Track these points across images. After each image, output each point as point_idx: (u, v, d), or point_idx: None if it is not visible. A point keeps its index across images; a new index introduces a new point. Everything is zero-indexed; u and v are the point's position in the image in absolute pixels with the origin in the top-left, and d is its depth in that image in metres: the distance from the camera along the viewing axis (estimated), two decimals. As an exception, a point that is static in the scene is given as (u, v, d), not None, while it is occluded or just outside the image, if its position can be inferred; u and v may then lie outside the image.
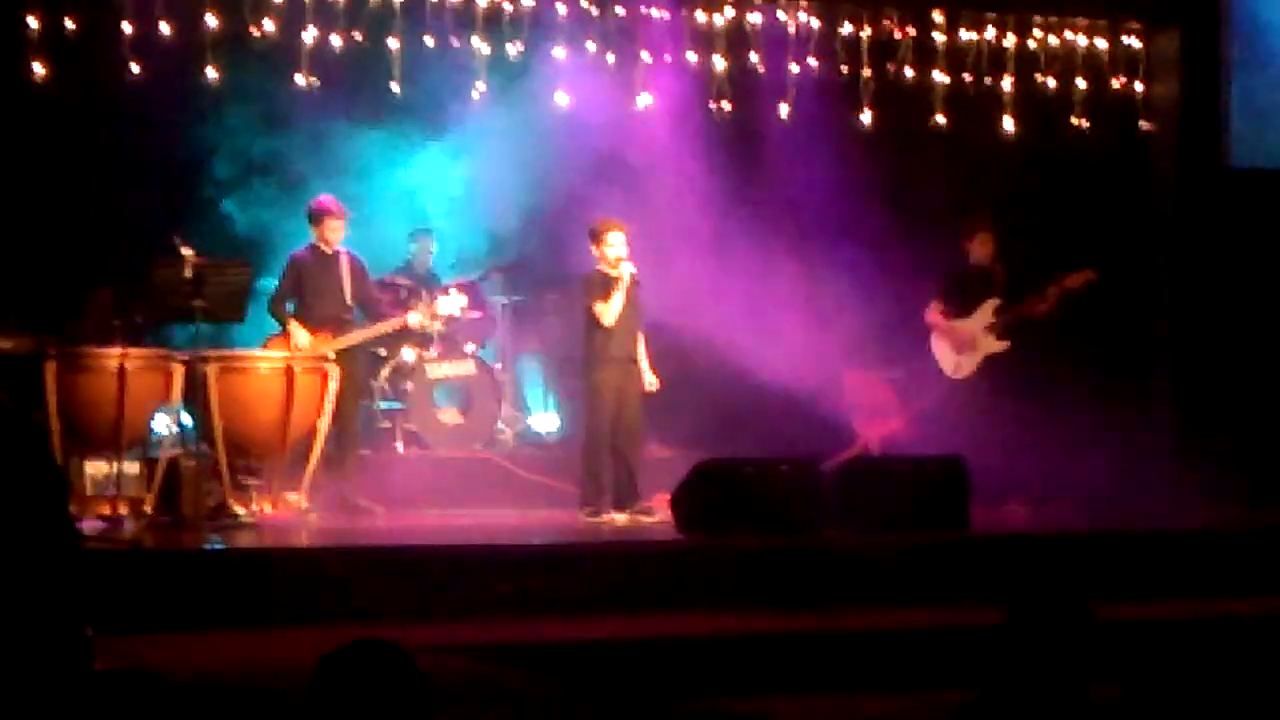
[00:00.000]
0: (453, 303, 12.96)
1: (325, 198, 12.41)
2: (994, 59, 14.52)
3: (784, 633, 9.36)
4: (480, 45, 13.45)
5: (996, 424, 12.59)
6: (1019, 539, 11.62)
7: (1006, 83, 14.49)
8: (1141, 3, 14.93)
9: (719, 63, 14.02)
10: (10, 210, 12.57)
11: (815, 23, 14.17)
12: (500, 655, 8.43)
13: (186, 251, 11.30)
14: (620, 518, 11.83)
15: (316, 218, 12.25)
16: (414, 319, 12.50)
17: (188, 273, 11.25)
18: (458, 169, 14.18)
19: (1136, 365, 14.88)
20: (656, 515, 11.80)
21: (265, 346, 12.14)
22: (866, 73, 14.21)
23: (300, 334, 12.03)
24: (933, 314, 13.48)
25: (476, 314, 13.84)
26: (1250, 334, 14.60)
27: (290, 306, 12.18)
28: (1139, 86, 14.86)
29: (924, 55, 14.38)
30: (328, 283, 12.21)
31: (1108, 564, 10.84)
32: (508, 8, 13.51)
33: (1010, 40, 14.53)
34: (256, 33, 12.83)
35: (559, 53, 13.73)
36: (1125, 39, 14.87)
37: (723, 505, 11.18)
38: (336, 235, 12.25)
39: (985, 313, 13.32)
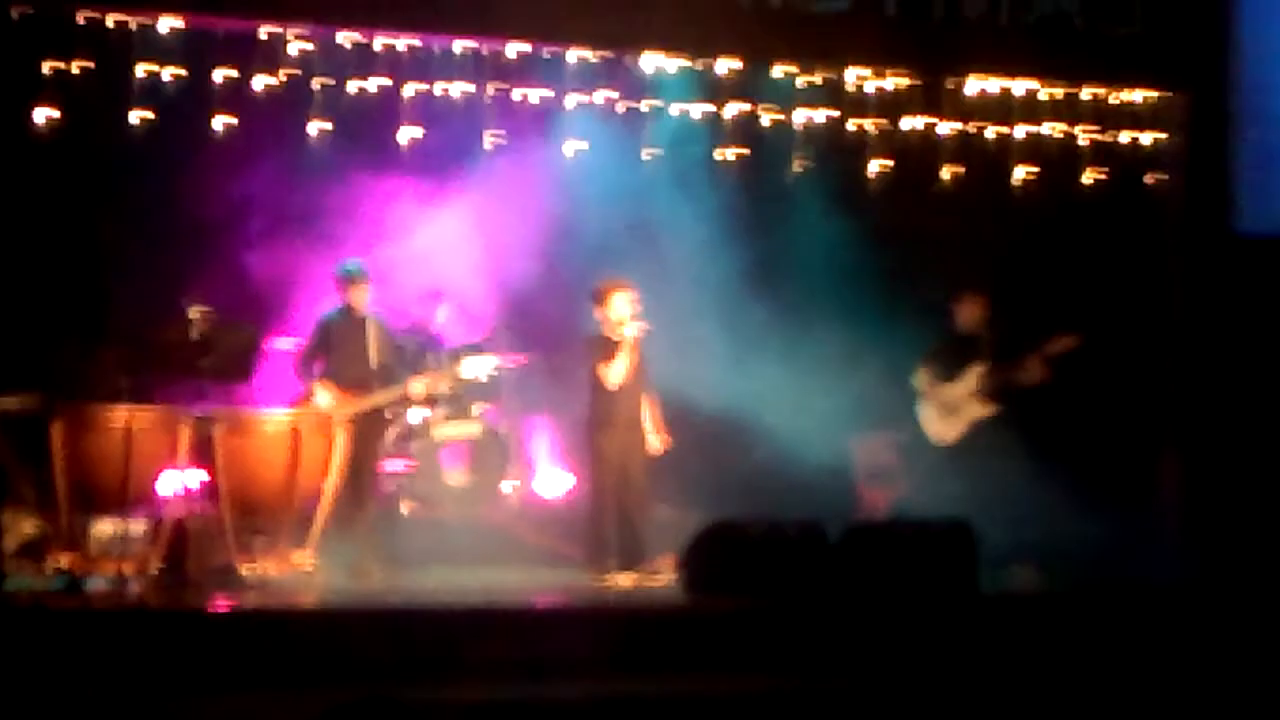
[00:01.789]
0: (481, 365, 12.91)
1: (352, 262, 12.45)
2: (1002, 111, 14.45)
3: (790, 694, 9.32)
4: (491, 94, 13.40)
5: (1001, 487, 12.55)
6: (1027, 601, 11.61)
7: (1018, 132, 14.39)
8: (1152, 71, 14.86)
9: (729, 112, 13.97)
10: (17, 267, 12.58)
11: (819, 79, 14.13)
12: (505, 716, 8.41)
13: (194, 313, 11.33)
14: (626, 579, 11.81)
15: (345, 282, 12.28)
16: (415, 388, 12.46)
17: (195, 334, 11.28)
18: (468, 230, 14.16)
19: (1144, 430, 14.81)
20: (663, 576, 11.77)
21: (292, 406, 12.15)
22: (872, 126, 14.14)
23: (323, 395, 12.06)
24: (920, 379, 13.46)
25: (495, 373, 13.76)
26: (1260, 403, 14.51)
27: (317, 368, 12.23)
28: (1146, 141, 14.75)
29: (932, 108, 14.33)
30: (354, 346, 12.25)
31: (1112, 625, 10.84)
32: (518, 51, 13.40)
33: (1019, 90, 14.44)
34: (273, 80, 12.79)
35: (570, 103, 13.63)
36: (1132, 96, 14.76)
37: (729, 567, 11.15)
38: (364, 299, 12.30)
39: (971, 378, 13.30)
